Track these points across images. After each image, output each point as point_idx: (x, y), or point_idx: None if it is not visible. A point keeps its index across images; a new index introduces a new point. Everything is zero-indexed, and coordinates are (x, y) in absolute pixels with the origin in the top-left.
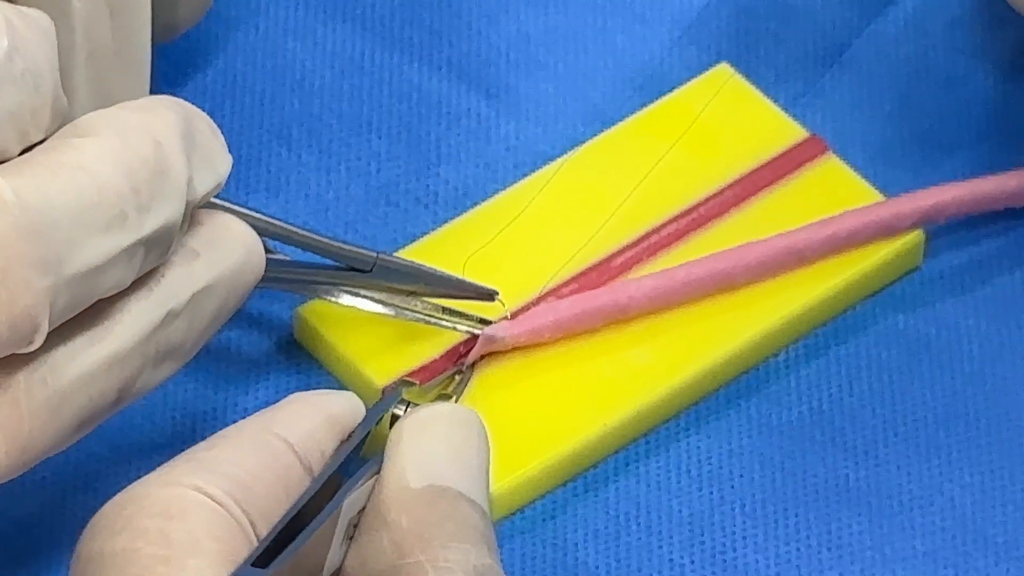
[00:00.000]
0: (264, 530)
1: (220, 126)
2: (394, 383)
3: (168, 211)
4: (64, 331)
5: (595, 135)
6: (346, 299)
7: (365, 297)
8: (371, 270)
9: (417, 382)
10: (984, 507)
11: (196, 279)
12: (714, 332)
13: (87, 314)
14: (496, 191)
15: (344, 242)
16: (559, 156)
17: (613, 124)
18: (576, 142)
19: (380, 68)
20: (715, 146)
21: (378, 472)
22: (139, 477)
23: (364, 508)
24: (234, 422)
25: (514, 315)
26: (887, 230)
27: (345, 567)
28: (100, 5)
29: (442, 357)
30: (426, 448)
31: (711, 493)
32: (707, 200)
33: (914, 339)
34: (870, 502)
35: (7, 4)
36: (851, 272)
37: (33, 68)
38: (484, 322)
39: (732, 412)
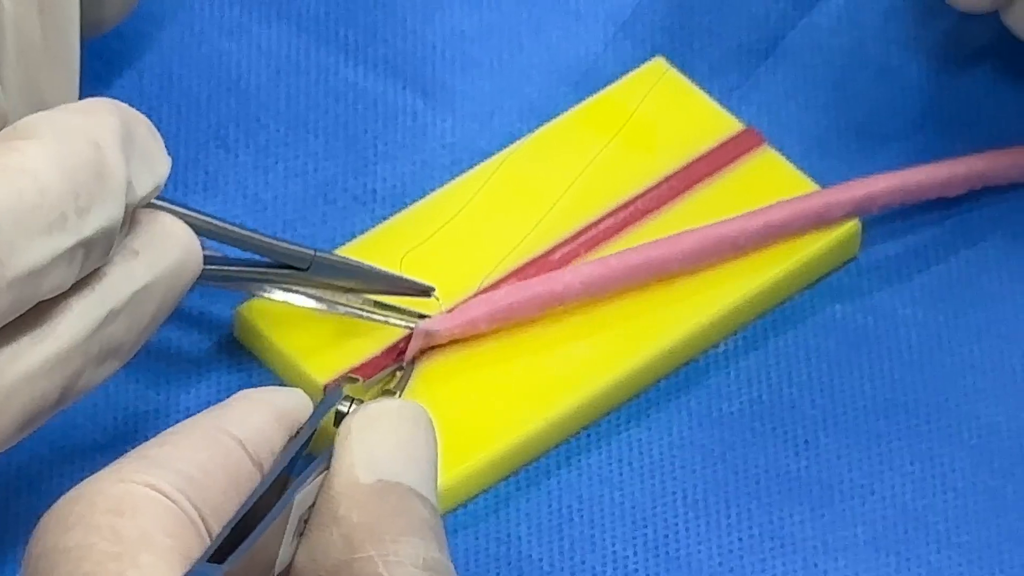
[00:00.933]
0: (215, 526)
1: (157, 127)
2: (337, 380)
3: (108, 213)
4: (6, 332)
5: (532, 131)
6: (279, 295)
7: (300, 293)
8: (308, 268)
9: (360, 378)
10: (925, 494)
11: (136, 278)
12: (653, 325)
13: (29, 314)
14: (434, 188)
15: (281, 240)
16: (496, 153)
17: (549, 120)
18: (513, 138)
19: (316, 67)
20: (651, 140)
21: (327, 468)
22: (82, 478)
23: (314, 504)
24: (176, 421)
25: (451, 310)
26: (821, 219)
27: (295, 563)
28: (29, 2)
29: (382, 353)
30: (375, 443)
31: (653, 485)
32: (644, 194)
33: (852, 329)
34: (811, 491)
35: None
36: (788, 263)
37: None
38: (422, 316)
39: (672, 404)
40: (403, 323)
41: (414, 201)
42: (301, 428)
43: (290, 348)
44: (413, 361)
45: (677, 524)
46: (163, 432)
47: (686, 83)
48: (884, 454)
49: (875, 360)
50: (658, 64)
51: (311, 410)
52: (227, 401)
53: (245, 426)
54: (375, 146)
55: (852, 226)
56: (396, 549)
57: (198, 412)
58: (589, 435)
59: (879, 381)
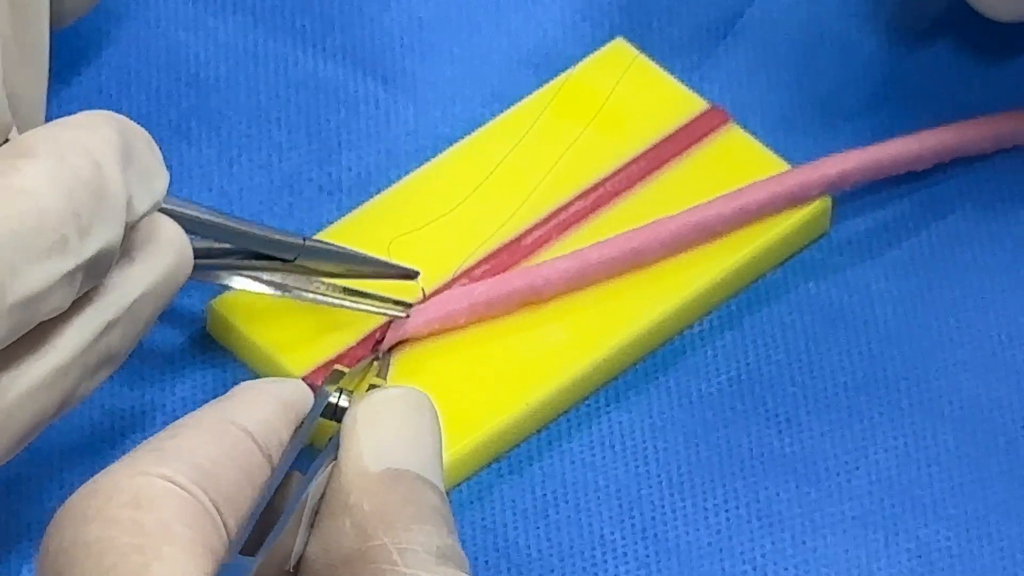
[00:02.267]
0: (230, 517)
1: None
2: (325, 372)
3: (108, 234)
4: (7, 351)
5: (495, 116)
6: (253, 286)
7: (272, 284)
8: (296, 256)
9: (346, 370)
10: (909, 469)
11: (133, 287)
12: (629, 307)
13: (29, 332)
14: (399, 176)
15: (269, 228)
16: (460, 139)
17: (512, 104)
18: (476, 124)
19: (275, 58)
20: (617, 121)
21: (334, 459)
22: (63, 479)
23: (323, 495)
24: (154, 419)
25: (428, 296)
26: (795, 199)
27: (307, 553)
28: None
29: (359, 344)
30: (381, 432)
31: (636, 468)
32: (613, 176)
33: (827, 305)
34: (796, 469)
35: None
36: (761, 241)
37: None
38: (397, 303)
39: (651, 386)
40: (379, 310)
41: (380, 190)
42: (303, 419)
43: (265, 342)
44: (390, 351)
45: (664, 506)
46: (171, 425)
47: (649, 63)
48: (867, 430)
49: (852, 336)
50: (619, 45)
51: (311, 400)
52: (231, 393)
53: (252, 418)
54: (339, 135)
55: (823, 203)
56: (408, 537)
57: (175, 409)
58: (569, 420)
59: (857, 357)
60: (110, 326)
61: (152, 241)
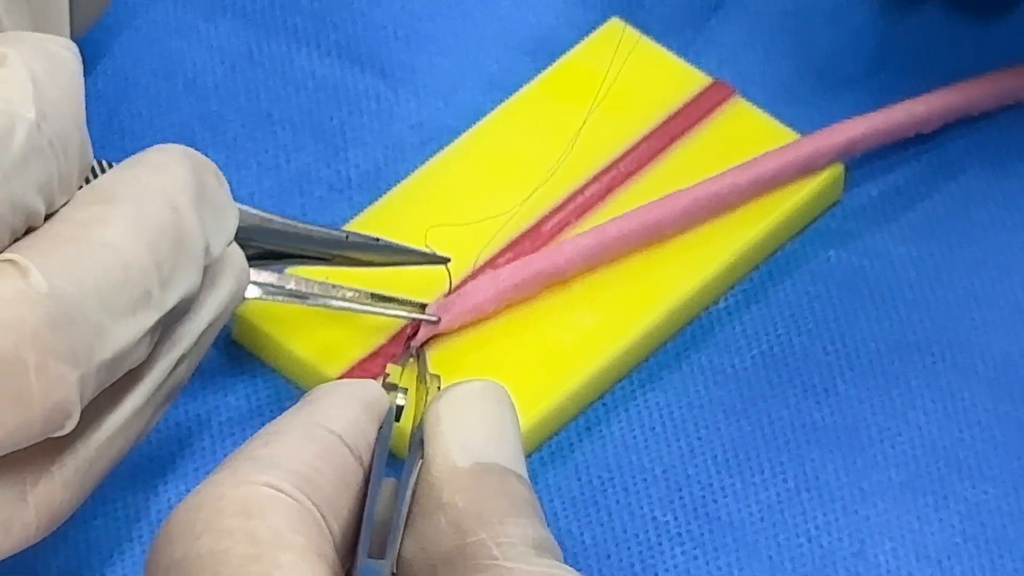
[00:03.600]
0: (334, 522)
1: (119, 132)
2: (361, 372)
3: (188, 282)
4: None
5: (497, 104)
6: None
7: (290, 292)
8: (338, 251)
9: (397, 370)
10: (951, 431)
11: (201, 319)
12: (655, 285)
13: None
14: (408, 170)
15: (313, 224)
16: (464, 129)
17: (512, 91)
18: (479, 112)
19: (271, 59)
20: (622, 102)
21: (421, 457)
22: (102, 493)
23: (414, 494)
24: (187, 428)
25: (452, 291)
26: (808, 167)
27: (404, 555)
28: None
29: (390, 342)
30: (466, 427)
31: (680, 447)
32: (625, 156)
33: (849, 272)
34: (839, 438)
35: (32, 44)
36: (780, 211)
37: (61, 133)
38: (421, 305)
39: (684, 365)
40: (406, 314)
41: (390, 185)
42: (383, 420)
43: (297, 346)
44: (423, 346)
45: (712, 484)
46: (260, 433)
47: (647, 41)
48: (904, 395)
49: (878, 302)
50: (615, 25)
51: (386, 400)
52: (313, 396)
53: (341, 420)
54: (343, 133)
55: (836, 170)
56: (505, 531)
57: (208, 417)
58: (605, 404)
59: (886, 323)
60: (180, 360)
61: (220, 270)
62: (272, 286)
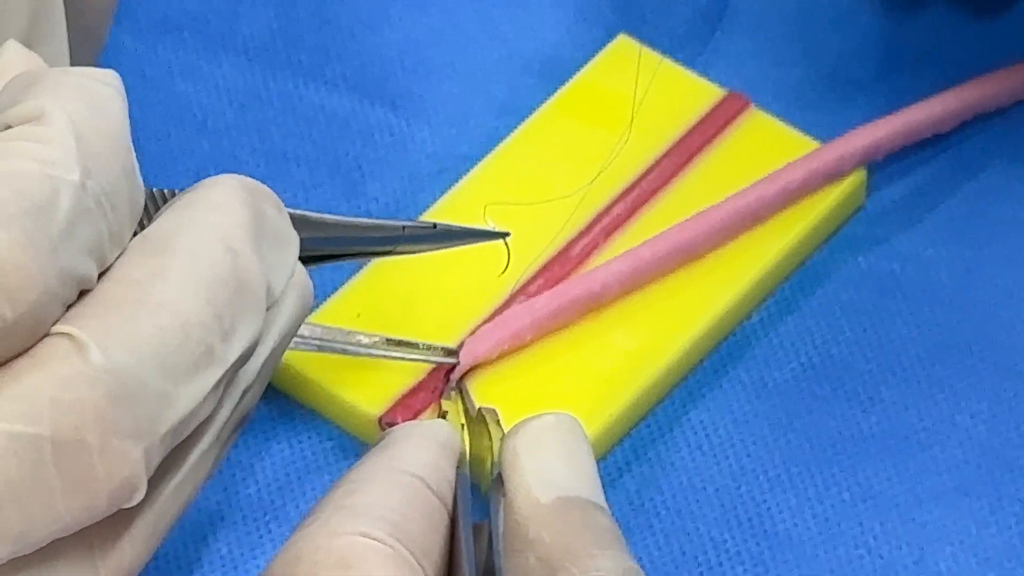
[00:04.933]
0: (428, 567)
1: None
2: (404, 410)
3: (251, 329)
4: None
5: (510, 128)
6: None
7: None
8: (396, 245)
9: (447, 409)
10: (999, 431)
11: (265, 348)
12: (690, 303)
13: None
14: (427, 201)
15: (368, 218)
16: (480, 156)
17: (524, 114)
18: (493, 138)
19: (279, 96)
20: (639, 119)
21: (502, 494)
22: (167, 550)
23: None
24: (234, 477)
25: (488, 320)
26: (832, 175)
27: None
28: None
29: (429, 376)
30: (544, 461)
31: (730, 465)
32: (647, 174)
33: (880, 278)
34: (889, 446)
35: (72, 87)
36: (807, 220)
37: (108, 187)
38: (447, 351)
39: (724, 382)
40: (425, 358)
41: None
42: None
43: (338, 388)
44: (463, 378)
45: (767, 500)
46: (342, 481)
47: (658, 57)
48: (949, 398)
49: (913, 306)
50: (624, 42)
51: (458, 439)
52: (389, 440)
53: (421, 463)
54: (359, 167)
55: (859, 175)
56: (595, 563)
57: (251, 465)
58: (649, 426)
59: (924, 327)
60: (244, 392)
61: (281, 298)
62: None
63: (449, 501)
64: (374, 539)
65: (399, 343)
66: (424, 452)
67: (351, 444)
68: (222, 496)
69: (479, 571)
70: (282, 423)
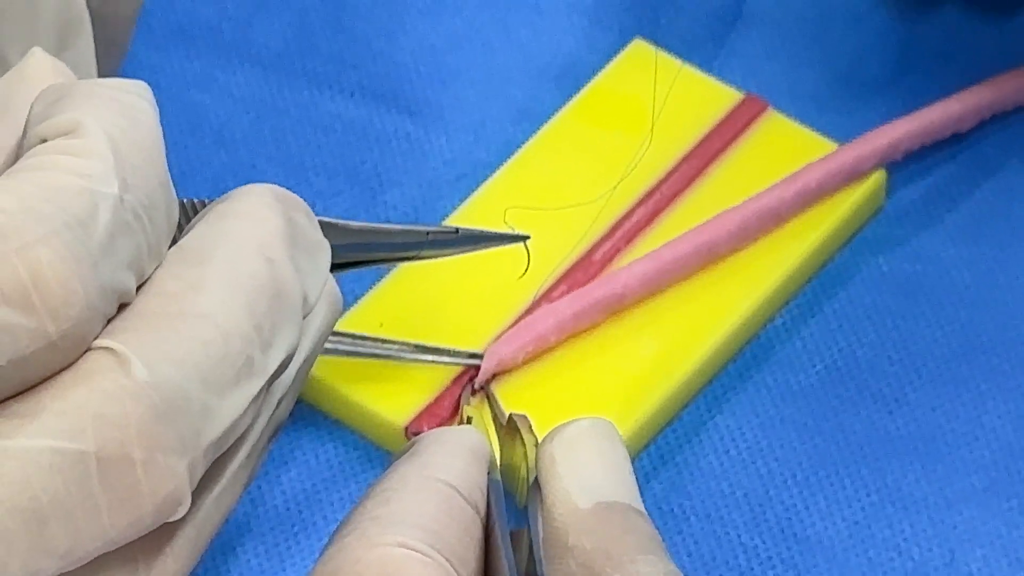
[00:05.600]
0: (465, 575)
1: None
2: (429, 418)
3: (289, 338)
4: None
5: (528, 134)
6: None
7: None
8: (420, 250)
9: (472, 414)
10: None
11: (300, 357)
12: (713, 306)
13: None
14: (447, 208)
15: (392, 224)
16: (498, 163)
17: (541, 119)
18: (511, 144)
19: (295, 105)
20: (658, 123)
21: (540, 500)
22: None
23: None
24: (260, 488)
25: (512, 326)
26: (851, 175)
27: None
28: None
29: (453, 383)
30: (582, 467)
31: (758, 469)
32: (667, 178)
33: (903, 279)
34: (917, 448)
35: (106, 100)
36: (829, 221)
37: (146, 200)
38: (472, 355)
39: (749, 385)
40: (452, 361)
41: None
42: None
43: (362, 397)
44: (488, 383)
45: (796, 504)
46: (374, 491)
47: (674, 61)
48: (976, 399)
49: (937, 307)
50: (640, 46)
51: (487, 444)
52: (419, 448)
53: (453, 471)
54: (377, 175)
55: (879, 176)
56: (637, 569)
57: (277, 475)
58: (675, 430)
59: (948, 327)
60: (279, 402)
61: (318, 305)
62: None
63: (482, 507)
64: (412, 549)
65: (427, 348)
66: (455, 459)
67: (376, 453)
68: (249, 508)
69: None
70: (307, 433)
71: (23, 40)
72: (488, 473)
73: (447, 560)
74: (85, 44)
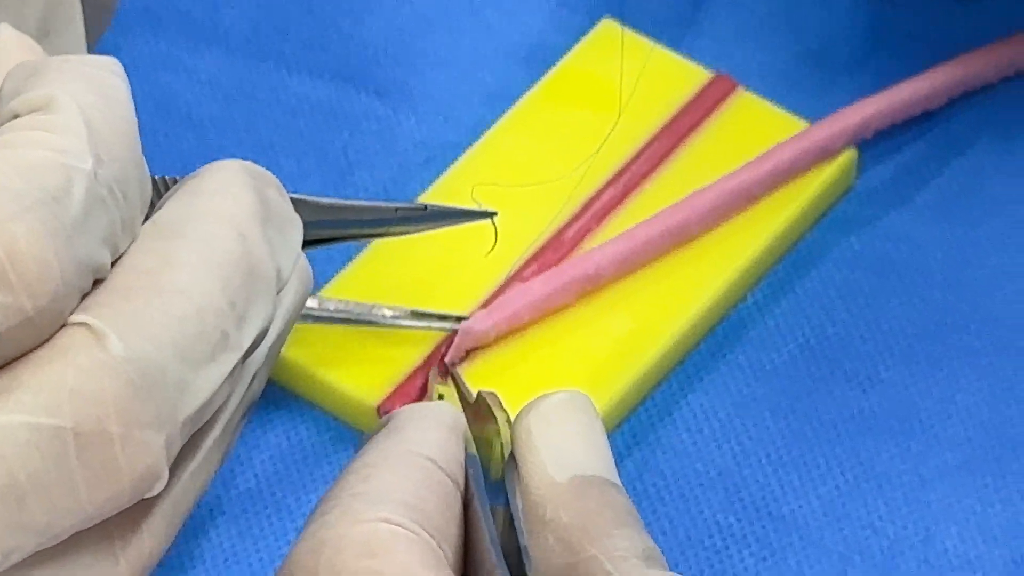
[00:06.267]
0: (449, 550)
1: None
2: (402, 397)
3: (263, 314)
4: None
5: (498, 115)
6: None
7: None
8: (389, 226)
9: (443, 393)
10: (1000, 409)
11: (273, 333)
12: (686, 285)
13: None
14: (416, 189)
15: (362, 200)
16: (468, 144)
17: (511, 101)
18: (481, 125)
19: (264, 87)
20: (627, 103)
21: (516, 474)
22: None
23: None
24: (233, 471)
25: (484, 305)
26: (823, 153)
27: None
28: None
29: (425, 361)
30: (558, 440)
31: (732, 448)
32: (637, 157)
33: (874, 258)
34: (891, 426)
35: (79, 75)
36: (800, 200)
37: (120, 175)
38: (459, 319)
39: (722, 364)
40: (445, 326)
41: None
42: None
43: (333, 377)
44: (461, 361)
45: (770, 483)
46: (354, 466)
47: (643, 40)
48: (949, 377)
49: (908, 285)
50: (608, 26)
51: (463, 420)
52: (397, 423)
53: (432, 445)
54: (347, 156)
55: (849, 155)
56: (614, 543)
57: (249, 456)
58: (647, 410)
59: (920, 305)
60: (253, 378)
61: (290, 283)
62: (314, 311)
63: (461, 482)
64: (396, 525)
65: (422, 314)
66: (434, 433)
67: (348, 433)
68: (221, 489)
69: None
70: (278, 414)
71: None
72: (466, 449)
73: (430, 536)
74: (75, 22)
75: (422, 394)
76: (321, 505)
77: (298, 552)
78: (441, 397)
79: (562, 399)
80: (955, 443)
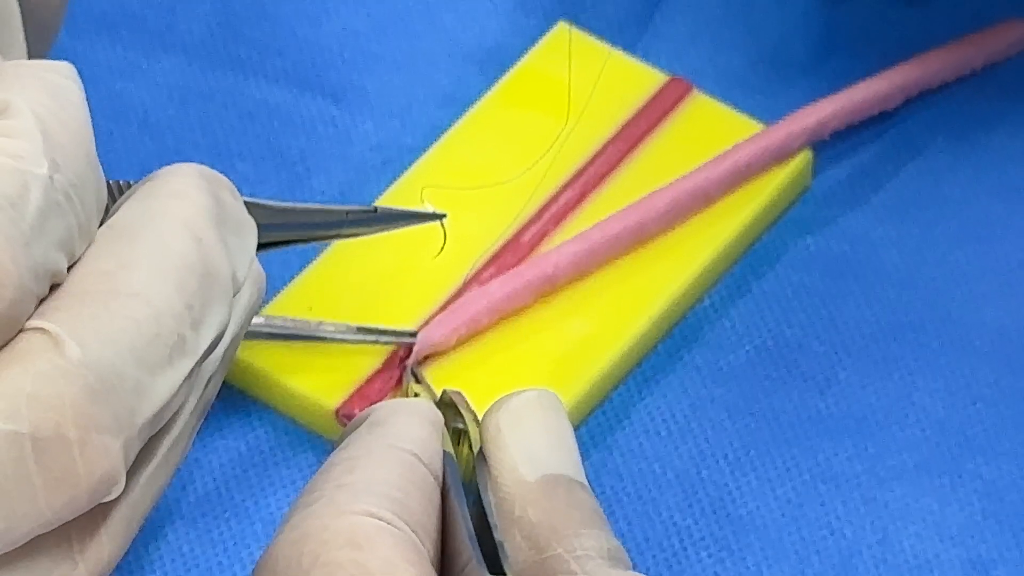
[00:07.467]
0: (429, 545)
1: None
2: (360, 400)
3: (220, 316)
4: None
5: (453, 119)
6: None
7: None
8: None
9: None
10: (956, 408)
11: (227, 336)
12: (643, 287)
13: None
14: (373, 193)
15: (312, 204)
16: (424, 147)
17: (467, 104)
18: (437, 128)
19: (220, 91)
20: (582, 107)
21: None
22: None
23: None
24: (191, 474)
25: (442, 309)
26: (779, 154)
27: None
28: None
29: (384, 366)
30: (528, 438)
31: (689, 449)
32: (593, 160)
33: (831, 259)
34: (848, 427)
35: (33, 79)
36: (756, 201)
37: (76, 179)
38: (411, 335)
39: (678, 366)
40: (395, 341)
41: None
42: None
43: (292, 381)
44: (420, 365)
45: (727, 484)
46: (337, 459)
47: (598, 43)
48: (905, 377)
49: (865, 286)
50: (563, 29)
51: (441, 416)
52: (377, 418)
53: (412, 439)
54: (303, 160)
55: (805, 156)
56: (580, 543)
57: (206, 460)
58: (605, 412)
59: (876, 306)
60: (208, 381)
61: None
62: (261, 328)
63: (440, 477)
64: (379, 518)
65: (367, 330)
66: (416, 429)
67: (306, 437)
68: (179, 493)
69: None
70: (236, 418)
71: None
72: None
73: (412, 531)
74: (18, 40)
75: (381, 398)
76: (304, 496)
77: (281, 542)
78: (416, 395)
79: (532, 397)
80: (912, 443)
